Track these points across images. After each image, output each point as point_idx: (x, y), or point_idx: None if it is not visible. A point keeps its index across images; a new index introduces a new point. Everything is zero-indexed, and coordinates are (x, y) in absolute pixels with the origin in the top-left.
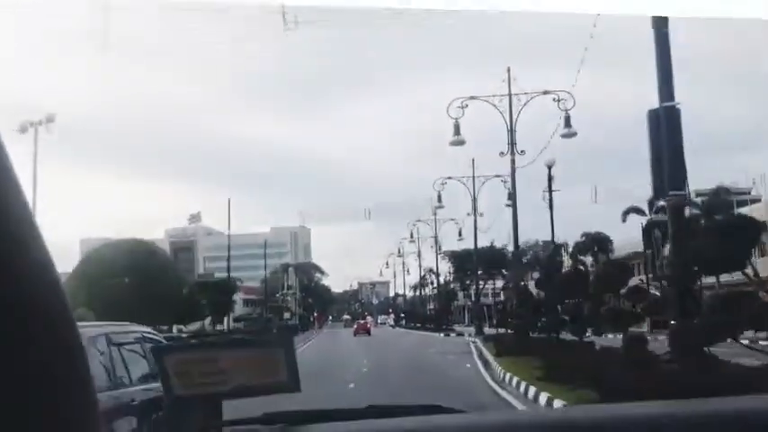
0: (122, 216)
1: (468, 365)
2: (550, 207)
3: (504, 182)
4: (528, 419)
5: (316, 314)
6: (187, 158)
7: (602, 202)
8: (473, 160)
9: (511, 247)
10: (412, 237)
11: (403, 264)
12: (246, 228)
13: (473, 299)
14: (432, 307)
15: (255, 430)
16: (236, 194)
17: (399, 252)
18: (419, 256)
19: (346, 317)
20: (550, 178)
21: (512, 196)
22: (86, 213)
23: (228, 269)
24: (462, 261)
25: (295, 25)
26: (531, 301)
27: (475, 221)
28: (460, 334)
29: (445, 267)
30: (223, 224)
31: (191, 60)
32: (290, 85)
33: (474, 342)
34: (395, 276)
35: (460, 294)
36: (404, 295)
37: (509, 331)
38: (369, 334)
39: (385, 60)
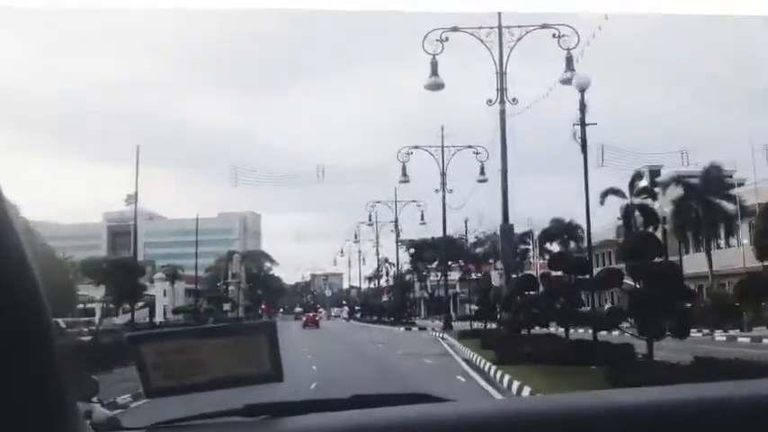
0: (59, 198)
1: (462, 378)
2: (583, 147)
3: (477, 153)
4: (521, 407)
5: (263, 306)
6: (130, 141)
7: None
8: (442, 128)
9: (472, 237)
10: (370, 219)
11: (359, 252)
12: (193, 212)
13: (429, 290)
14: (387, 299)
15: (237, 422)
16: (182, 178)
17: (356, 237)
18: (377, 242)
19: (298, 309)
20: (583, 106)
21: (501, 164)
22: (20, 195)
23: (135, 249)
24: (419, 250)
25: None
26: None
27: (443, 199)
28: (423, 328)
29: (403, 256)
30: (165, 209)
31: (149, 44)
32: (241, 65)
33: (443, 338)
34: (350, 266)
35: (416, 286)
36: (359, 287)
37: (487, 326)
38: (317, 326)
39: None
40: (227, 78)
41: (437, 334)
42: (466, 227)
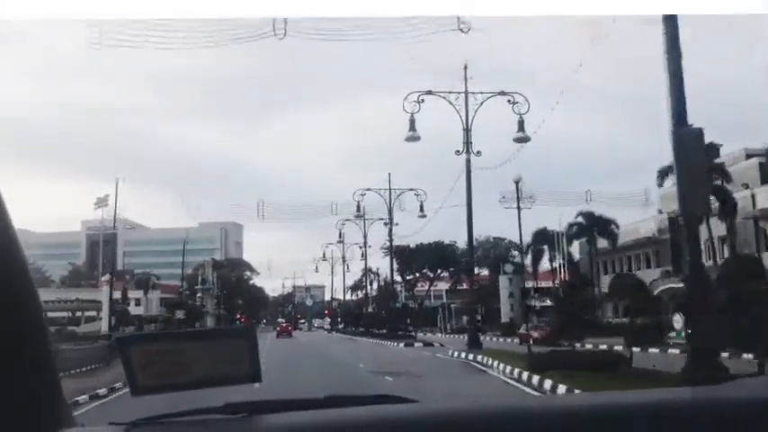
0: (38, 208)
1: None
2: None
3: (513, 102)
4: (485, 410)
5: (239, 316)
6: (113, 157)
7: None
8: (465, 67)
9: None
10: (359, 210)
11: (343, 258)
12: (176, 223)
13: (416, 301)
14: (371, 309)
15: (217, 419)
16: (165, 190)
17: (340, 236)
18: (365, 241)
19: (280, 320)
20: None
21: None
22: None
23: None
24: (407, 258)
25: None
26: None
27: (468, 163)
28: (428, 344)
29: (387, 264)
30: (146, 218)
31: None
32: (226, 91)
33: (484, 365)
34: (332, 272)
35: (402, 296)
36: (340, 299)
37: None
38: (290, 336)
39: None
40: (212, 103)
41: (458, 354)
42: (518, 189)
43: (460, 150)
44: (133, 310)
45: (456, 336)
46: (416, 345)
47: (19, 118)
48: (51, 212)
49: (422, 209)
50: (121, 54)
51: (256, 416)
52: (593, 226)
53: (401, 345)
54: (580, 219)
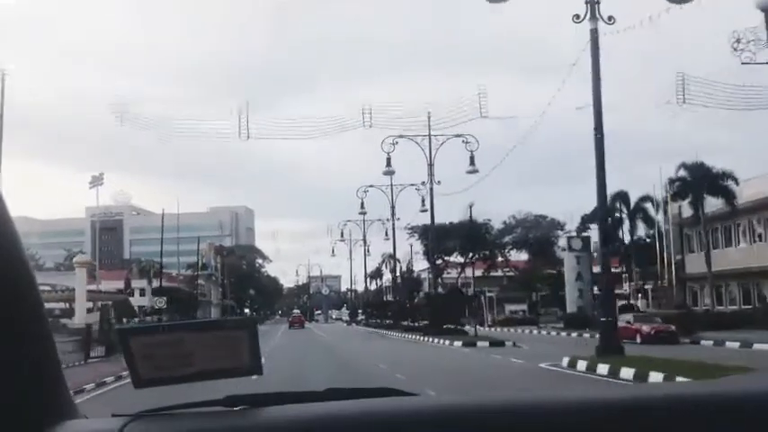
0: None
1: None
2: None
3: None
4: (484, 403)
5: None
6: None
7: None
8: None
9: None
10: (389, 165)
11: (364, 237)
12: (185, 208)
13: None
14: (392, 298)
15: (218, 411)
16: (172, 177)
17: (362, 206)
18: (392, 212)
19: (295, 311)
20: None
21: None
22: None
23: None
24: (437, 238)
25: None
26: None
27: (594, 32)
28: (497, 343)
29: (407, 247)
30: (153, 204)
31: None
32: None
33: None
34: (351, 253)
35: (426, 282)
36: (357, 290)
37: None
38: (302, 326)
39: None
40: (222, 88)
41: (586, 366)
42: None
43: (580, 16)
44: (138, 300)
45: (505, 329)
46: (479, 344)
47: (26, 109)
48: (59, 200)
49: (472, 161)
50: (131, 41)
51: (257, 408)
52: (703, 181)
53: (457, 344)
54: (683, 173)
